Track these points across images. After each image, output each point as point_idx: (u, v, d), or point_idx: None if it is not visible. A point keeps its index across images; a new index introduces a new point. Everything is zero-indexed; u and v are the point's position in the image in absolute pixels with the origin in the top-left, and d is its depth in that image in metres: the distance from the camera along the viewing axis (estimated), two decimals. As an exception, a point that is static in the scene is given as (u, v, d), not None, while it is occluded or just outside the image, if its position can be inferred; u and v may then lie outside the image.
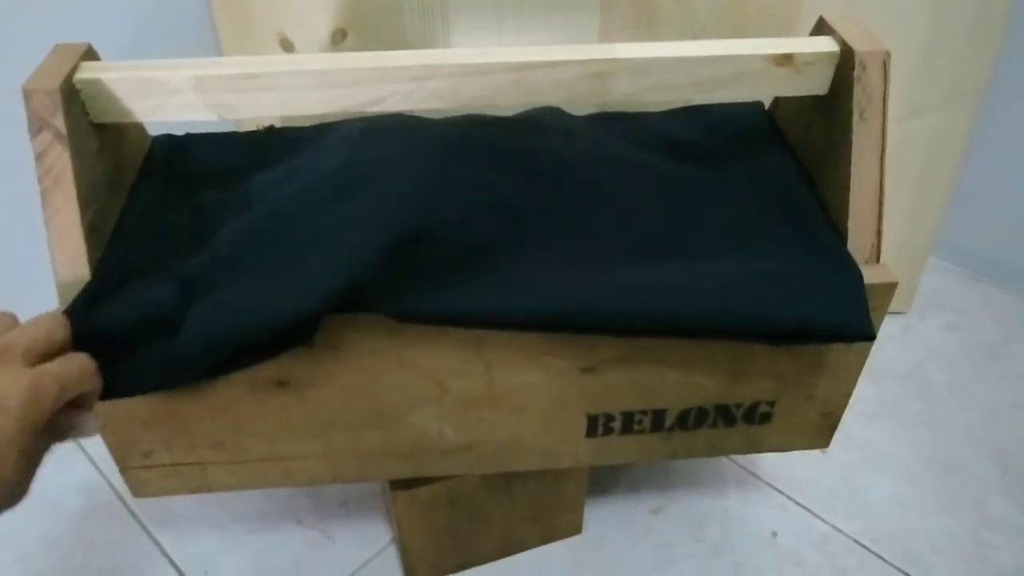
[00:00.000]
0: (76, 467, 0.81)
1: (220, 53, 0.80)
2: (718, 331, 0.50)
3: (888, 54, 0.52)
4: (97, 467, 0.81)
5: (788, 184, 0.58)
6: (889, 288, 0.53)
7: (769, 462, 0.80)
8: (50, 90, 0.48)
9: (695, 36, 0.76)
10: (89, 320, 0.45)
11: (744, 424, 0.60)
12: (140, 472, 0.58)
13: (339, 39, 0.77)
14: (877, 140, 0.53)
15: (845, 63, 0.53)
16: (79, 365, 0.42)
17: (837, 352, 0.56)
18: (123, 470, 0.58)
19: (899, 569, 0.71)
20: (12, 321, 0.42)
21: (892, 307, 0.95)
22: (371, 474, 0.60)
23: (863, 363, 0.57)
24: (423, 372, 0.53)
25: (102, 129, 0.53)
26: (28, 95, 0.48)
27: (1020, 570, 0.70)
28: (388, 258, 0.48)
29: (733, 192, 0.59)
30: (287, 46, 0.77)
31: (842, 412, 0.61)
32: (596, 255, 0.53)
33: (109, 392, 0.45)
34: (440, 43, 0.77)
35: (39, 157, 0.49)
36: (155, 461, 0.57)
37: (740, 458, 0.80)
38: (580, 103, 0.59)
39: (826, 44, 0.53)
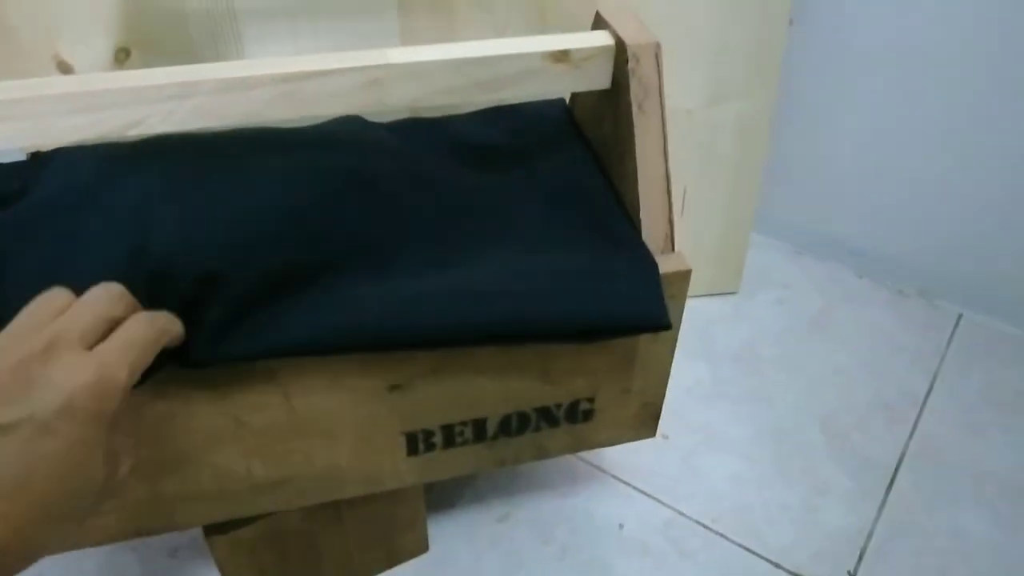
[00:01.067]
0: None
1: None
2: (519, 335, 0.49)
3: (658, 46, 0.52)
4: None
5: (585, 179, 0.58)
6: (684, 275, 0.53)
7: (614, 454, 0.80)
8: None
9: (498, 35, 0.76)
10: None
11: (567, 423, 0.60)
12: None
13: (123, 58, 0.72)
14: (658, 130, 0.53)
15: (621, 57, 0.53)
16: (145, 330, 0.38)
17: (645, 344, 0.56)
18: None
19: (739, 544, 0.73)
20: (68, 300, 0.37)
21: (722, 287, 0.99)
22: (181, 523, 0.56)
23: (672, 351, 0.58)
24: (216, 409, 0.50)
25: None
26: None
27: (847, 528, 0.74)
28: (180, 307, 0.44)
29: (532, 192, 0.58)
30: (65, 69, 0.71)
31: (661, 401, 0.61)
32: (397, 272, 0.51)
33: None
34: (233, 56, 0.73)
35: None
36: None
37: (585, 453, 0.80)
38: (359, 112, 0.57)
39: (602, 38, 0.54)
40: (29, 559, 0.33)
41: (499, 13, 0.75)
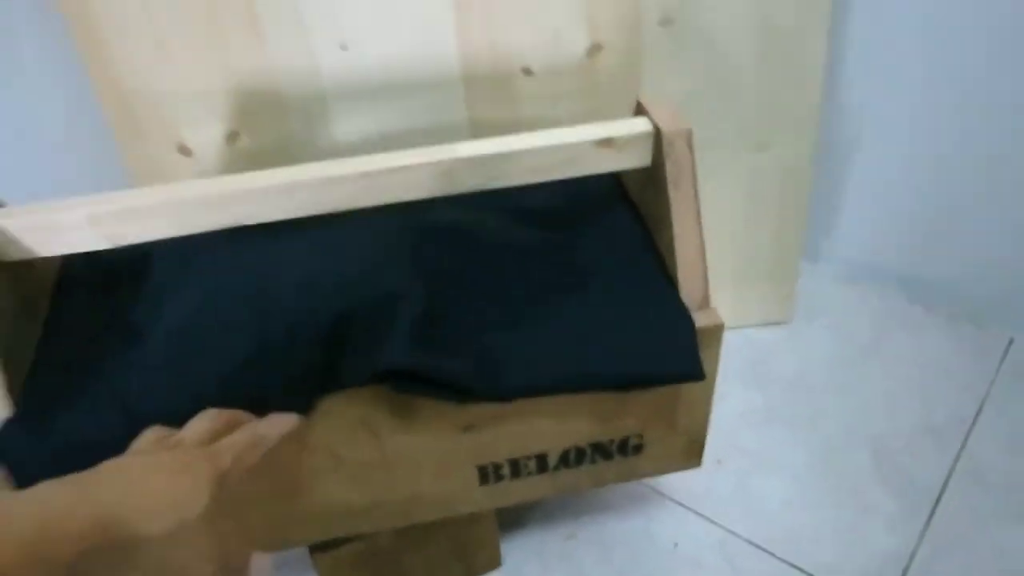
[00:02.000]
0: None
1: (124, 164, 0.86)
2: (573, 389, 0.58)
3: (690, 132, 0.60)
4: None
5: (632, 242, 0.66)
6: (717, 329, 0.61)
7: (671, 478, 0.87)
8: (-46, 244, 0.54)
9: (554, 101, 0.84)
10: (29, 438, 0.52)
11: (620, 456, 0.68)
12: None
13: (233, 140, 0.84)
14: (692, 204, 0.61)
15: (658, 140, 0.61)
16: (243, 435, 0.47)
17: (687, 388, 0.64)
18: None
19: (788, 563, 0.79)
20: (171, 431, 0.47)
21: (775, 317, 1.05)
22: (289, 542, 0.67)
23: (710, 395, 0.65)
24: (319, 447, 0.60)
25: (7, 267, 0.59)
26: (-67, 252, 0.54)
27: (892, 547, 0.79)
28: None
29: (585, 254, 0.66)
30: (184, 151, 0.84)
31: (703, 436, 0.68)
32: (474, 327, 0.61)
33: None
34: (323, 136, 0.84)
35: (-52, 305, 0.55)
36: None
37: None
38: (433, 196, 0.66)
39: (642, 125, 0.61)
40: None
41: (552, 86, 0.83)
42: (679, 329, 0.59)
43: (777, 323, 1.04)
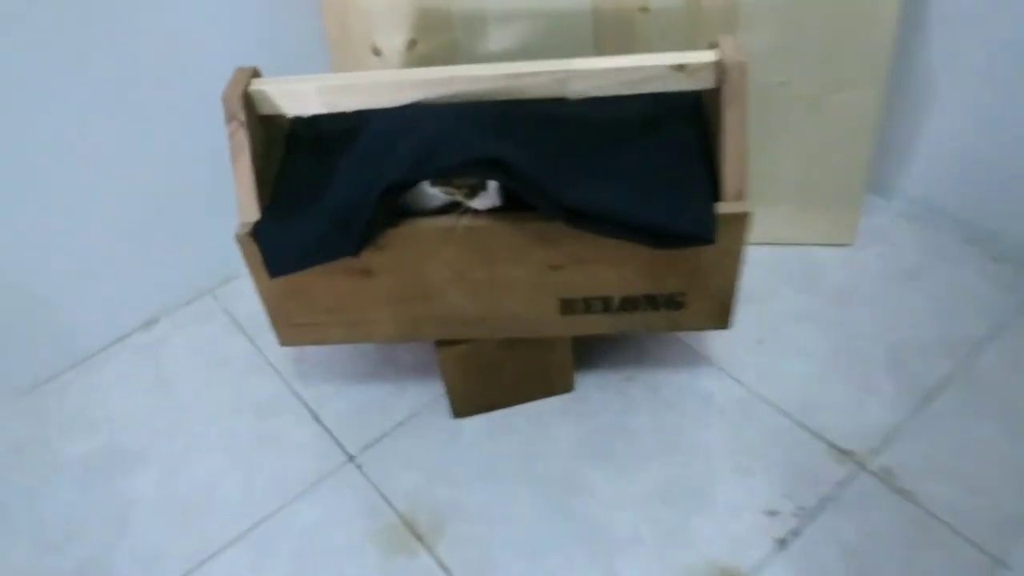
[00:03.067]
0: (238, 342, 1.20)
1: (331, 61, 1.14)
2: (614, 221, 0.80)
3: (744, 64, 0.80)
4: (253, 342, 1.20)
5: (689, 144, 0.88)
6: (745, 216, 0.82)
7: (719, 350, 1.09)
8: (235, 96, 0.83)
9: (660, 36, 1.05)
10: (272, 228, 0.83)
11: (666, 309, 0.91)
12: (285, 328, 0.95)
13: (412, 46, 1.10)
14: (741, 119, 0.81)
15: (721, 68, 0.81)
16: None
17: (718, 259, 0.85)
18: (276, 327, 0.95)
19: (793, 419, 1.00)
20: None
21: (838, 240, 1.24)
22: (422, 335, 0.95)
23: (739, 268, 0.87)
24: (448, 263, 0.87)
25: (263, 118, 0.89)
26: (225, 100, 0.84)
27: (884, 422, 0.98)
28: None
29: (648, 143, 0.88)
30: (376, 52, 1.11)
31: (730, 300, 0.90)
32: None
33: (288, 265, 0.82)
34: (480, 47, 1.09)
35: (231, 136, 0.84)
36: (294, 321, 0.94)
37: (695, 344, 1.10)
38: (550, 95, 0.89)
39: (708, 56, 0.82)
40: None
41: (660, 22, 1.04)
42: (701, 201, 0.81)
43: (839, 245, 1.22)
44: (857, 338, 1.09)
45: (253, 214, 0.85)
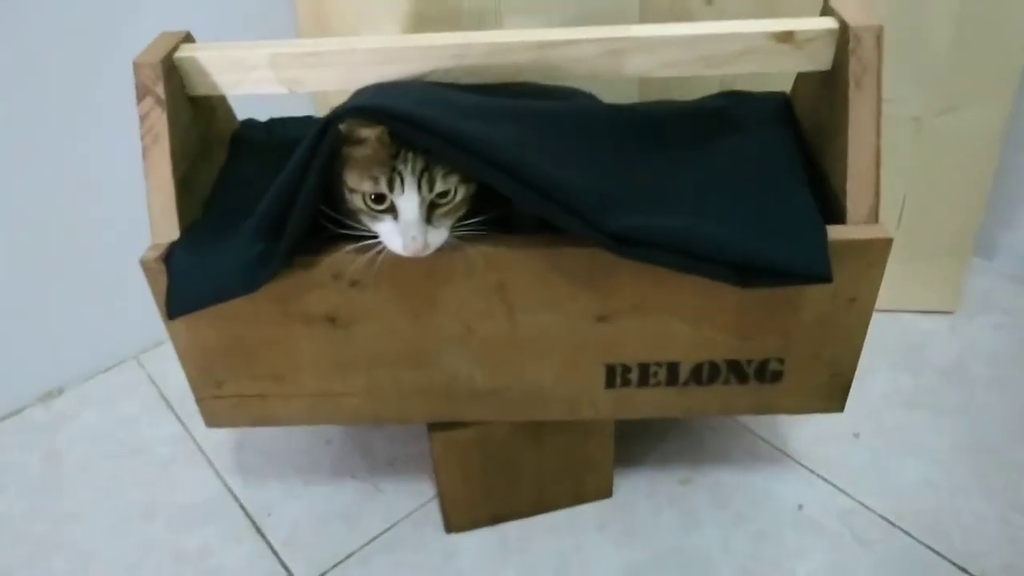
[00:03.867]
0: (163, 422, 0.91)
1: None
2: (686, 249, 0.54)
3: (881, 28, 0.56)
4: (182, 423, 0.91)
5: (787, 152, 0.63)
6: (885, 244, 0.56)
7: (799, 442, 0.82)
8: (153, 63, 0.58)
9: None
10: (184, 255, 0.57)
11: (756, 382, 0.64)
12: (212, 402, 0.67)
13: (405, 43, 0.87)
14: (873, 107, 0.57)
15: (843, 38, 0.58)
16: None
17: (837, 310, 0.60)
18: (199, 400, 0.67)
19: (924, 543, 0.72)
20: None
21: (941, 306, 0.97)
22: (410, 414, 0.67)
23: (865, 322, 0.61)
24: (452, 313, 0.60)
25: (195, 102, 0.63)
26: (136, 67, 0.59)
27: (1049, 551, 0.70)
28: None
29: (737, 156, 0.63)
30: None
31: (852, 372, 0.64)
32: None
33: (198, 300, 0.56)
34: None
35: (143, 119, 0.59)
36: (225, 392, 0.66)
37: (770, 436, 0.83)
38: (599, 79, 0.64)
39: (826, 23, 0.59)
40: None
41: (728, 14, 0.81)
42: (808, 224, 0.55)
43: (940, 312, 0.97)
44: (987, 431, 0.82)
45: (168, 232, 0.59)
